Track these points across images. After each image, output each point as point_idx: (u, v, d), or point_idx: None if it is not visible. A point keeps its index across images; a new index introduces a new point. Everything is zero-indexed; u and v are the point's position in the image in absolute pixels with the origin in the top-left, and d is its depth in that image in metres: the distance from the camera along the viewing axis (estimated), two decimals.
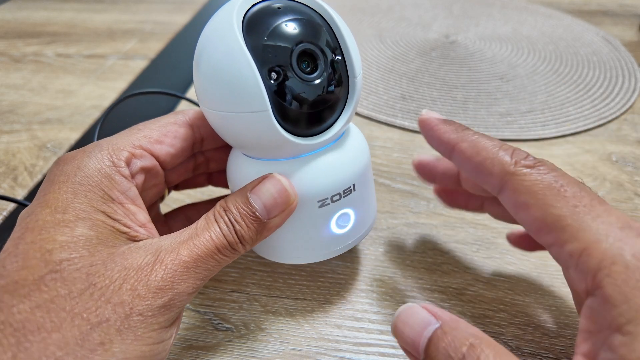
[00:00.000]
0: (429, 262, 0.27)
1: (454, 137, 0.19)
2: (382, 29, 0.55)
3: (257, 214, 0.18)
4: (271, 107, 0.17)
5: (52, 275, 0.15)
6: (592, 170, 0.34)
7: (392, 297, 0.25)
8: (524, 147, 0.36)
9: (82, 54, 0.51)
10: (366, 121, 0.39)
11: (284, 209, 0.19)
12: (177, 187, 0.26)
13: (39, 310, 0.15)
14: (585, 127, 0.38)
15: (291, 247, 0.22)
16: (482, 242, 0.28)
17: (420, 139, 0.37)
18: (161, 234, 0.19)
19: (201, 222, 0.18)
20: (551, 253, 0.16)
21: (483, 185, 0.19)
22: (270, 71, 0.17)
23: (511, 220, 0.23)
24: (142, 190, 0.20)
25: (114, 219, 0.17)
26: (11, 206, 0.32)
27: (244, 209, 0.18)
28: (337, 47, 0.19)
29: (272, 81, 0.17)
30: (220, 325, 0.23)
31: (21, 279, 0.15)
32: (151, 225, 0.19)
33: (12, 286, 0.15)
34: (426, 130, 0.21)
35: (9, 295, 0.15)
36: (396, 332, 0.17)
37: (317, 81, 0.18)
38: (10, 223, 0.30)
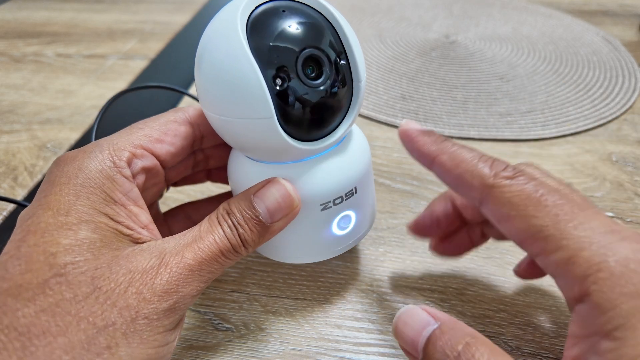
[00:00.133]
0: (428, 262, 0.27)
1: (433, 149, 0.19)
2: (382, 29, 0.55)
3: (260, 217, 0.18)
4: (275, 113, 0.17)
5: (56, 279, 0.15)
6: (592, 170, 0.34)
7: (392, 297, 0.25)
8: (524, 147, 0.36)
9: (82, 54, 0.51)
10: (366, 121, 0.40)
11: (287, 213, 0.19)
12: (176, 184, 0.26)
13: (44, 314, 0.14)
14: (585, 127, 0.38)
15: (292, 247, 0.22)
16: None
17: None
18: (161, 232, 0.19)
19: (204, 224, 0.18)
20: (538, 263, 0.16)
21: (464, 198, 0.19)
22: (275, 77, 0.17)
23: None
24: (143, 190, 0.20)
25: (117, 221, 0.17)
26: (11, 206, 0.32)
27: (247, 213, 0.18)
28: (342, 51, 0.19)
29: (277, 87, 0.17)
30: (221, 325, 0.23)
31: (25, 282, 0.15)
32: (153, 226, 0.19)
33: (15, 290, 0.15)
34: (406, 142, 0.20)
35: (12, 299, 0.15)
36: (397, 332, 0.18)
37: (322, 87, 0.18)
38: (10, 224, 0.30)
